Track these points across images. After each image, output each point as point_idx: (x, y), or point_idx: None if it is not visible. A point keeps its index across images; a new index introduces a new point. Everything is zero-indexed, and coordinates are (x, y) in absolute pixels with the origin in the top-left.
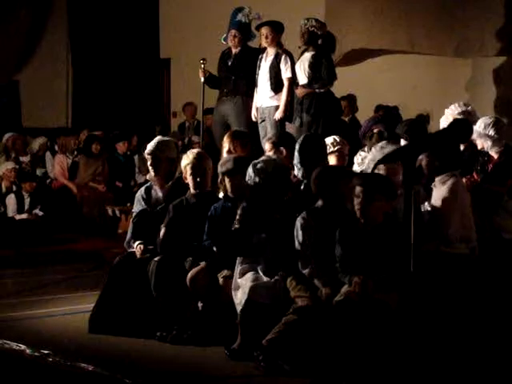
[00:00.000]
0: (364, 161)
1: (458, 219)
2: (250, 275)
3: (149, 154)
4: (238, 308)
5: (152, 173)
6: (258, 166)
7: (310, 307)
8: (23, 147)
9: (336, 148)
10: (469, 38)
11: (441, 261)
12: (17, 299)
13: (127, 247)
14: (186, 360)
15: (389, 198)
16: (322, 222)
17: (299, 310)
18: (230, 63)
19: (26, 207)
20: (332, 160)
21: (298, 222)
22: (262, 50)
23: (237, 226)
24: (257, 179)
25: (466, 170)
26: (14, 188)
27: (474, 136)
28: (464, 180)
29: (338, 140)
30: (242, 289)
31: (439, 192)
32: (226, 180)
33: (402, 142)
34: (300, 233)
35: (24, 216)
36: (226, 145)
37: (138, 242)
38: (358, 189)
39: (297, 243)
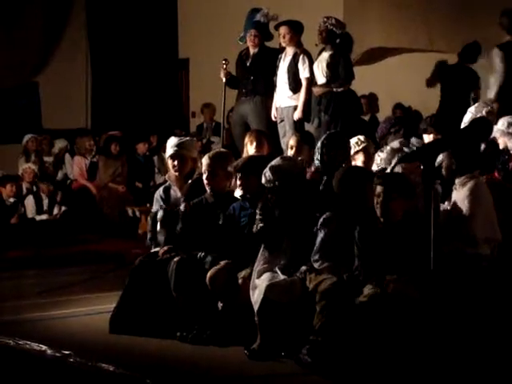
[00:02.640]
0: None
1: (481, 221)
2: (267, 275)
3: (175, 154)
4: (255, 307)
5: (176, 173)
6: (274, 167)
7: (335, 284)
8: (49, 147)
9: (361, 146)
10: (488, 37)
11: (462, 261)
12: (37, 300)
13: (150, 244)
14: (206, 360)
15: (407, 196)
16: (345, 221)
17: (325, 292)
18: (248, 63)
19: (45, 208)
20: (359, 158)
21: (321, 221)
22: (282, 50)
23: (261, 224)
24: (272, 181)
25: (487, 168)
26: (35, 189)
27: (497, 135)
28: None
29: (362, 139)
30: (258, 288)
31: (460, 194)
32: (242, 179)
33: (425, 138)
34: (322, 231)
35: (44, 217)
36: (251, 142)
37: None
38: (378, 188)
39: (318, 240)
